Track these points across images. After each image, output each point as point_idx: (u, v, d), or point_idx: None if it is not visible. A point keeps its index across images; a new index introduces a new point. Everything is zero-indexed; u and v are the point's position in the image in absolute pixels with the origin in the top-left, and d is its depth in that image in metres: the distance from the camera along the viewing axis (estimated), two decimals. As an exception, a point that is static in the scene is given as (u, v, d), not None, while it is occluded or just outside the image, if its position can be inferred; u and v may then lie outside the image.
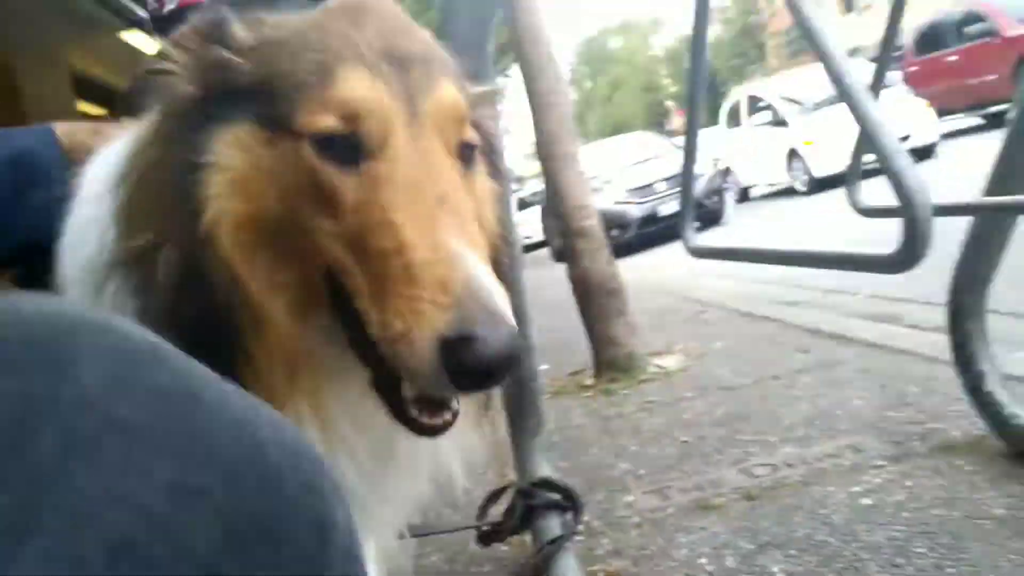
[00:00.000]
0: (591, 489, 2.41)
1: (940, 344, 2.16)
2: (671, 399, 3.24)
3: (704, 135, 1.72)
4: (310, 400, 0.80)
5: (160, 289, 0.76)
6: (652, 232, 11.37)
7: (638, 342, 3.81)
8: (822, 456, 2.23)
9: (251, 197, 0.78)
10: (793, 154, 12.86)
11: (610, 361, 3.73)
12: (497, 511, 1.95)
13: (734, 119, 15.78)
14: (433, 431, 0.79)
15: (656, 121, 54.18)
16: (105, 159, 0.90)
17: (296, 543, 0.48)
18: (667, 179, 11.53)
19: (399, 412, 0.78)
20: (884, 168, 1.03)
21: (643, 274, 7.92)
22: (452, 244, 0.71)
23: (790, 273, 5.26)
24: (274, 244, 0.79)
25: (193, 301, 0.76)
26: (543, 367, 4.40)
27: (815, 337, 3.65)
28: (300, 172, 0.77)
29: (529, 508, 1.94)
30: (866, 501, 1.90)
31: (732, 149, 15.45)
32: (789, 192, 13.41)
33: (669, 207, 11.16)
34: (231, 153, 0.78)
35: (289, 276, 0.80)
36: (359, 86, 0.77)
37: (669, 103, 57.59)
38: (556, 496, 1.95)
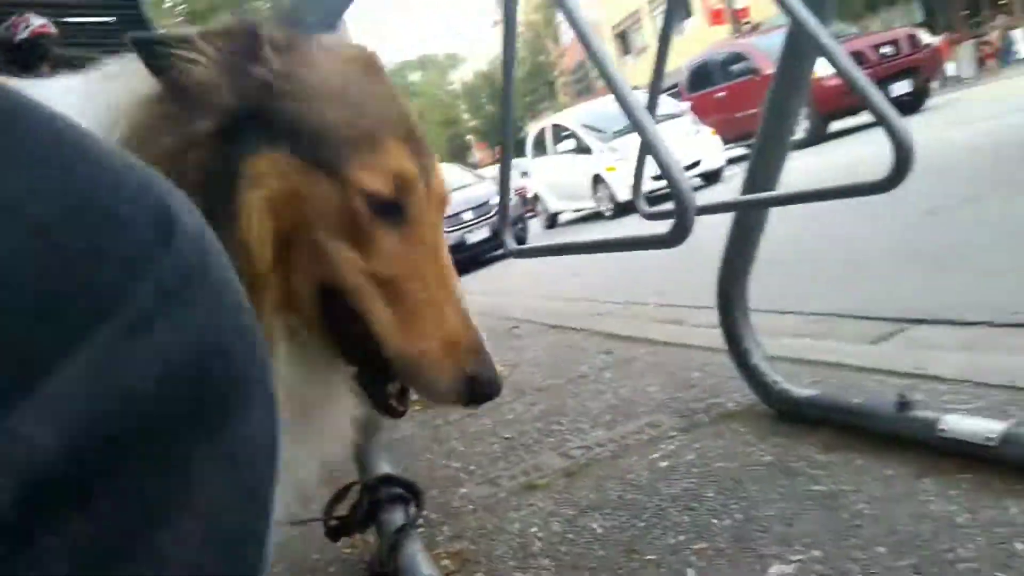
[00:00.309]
0: (427, 488, 2.56)
1: (716, 337, 2.55)
2: (493, 404, 3.45)
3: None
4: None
5: None
6: (462, 259, 11.74)
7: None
8: (626, 434, 2.55)
9: (281, 217, 0.88)
10: (598, 180, 13.43)
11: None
12: (343, 508, 2.05)
13: (540, 147, 16.28)
14: (400, 415, 1.05)
15: (458, 153, 55.56)
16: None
17: (131, 228, 0.40)
18: (474, 208, 11.98)
19: (379, 401, 1.03)
20: (663, 175, 1.30)
21: (456, 298, 8.15)
22: (464, 306, 0.97)
23: (594, 290, 5.76)
24: (284, 257, 0.91)
25: None
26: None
27: (615, 340, 4.06)
28: (343, 213, 0.90)
29: (374, 503, 2.06)
30: (664, 464, 2.22)
31: (539, 177, 15.94)
32: (596, 216, 14.22)
33: (476, 235, 11.60)
34: (269, 174, 0.87)
35: (293, 283, 0.93)
36: (406, 163, 0.94)
37: (469, 137, 59.37)
38: (399, 490, 2.09)
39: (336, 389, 1.07)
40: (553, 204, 16.00)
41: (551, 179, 15.48)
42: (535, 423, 2.99)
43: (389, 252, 0.93)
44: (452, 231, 11.93)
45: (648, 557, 1.75)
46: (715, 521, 1.82)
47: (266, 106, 0.89)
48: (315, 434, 1.05)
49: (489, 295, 7.90)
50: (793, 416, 2.29)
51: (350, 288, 0.93)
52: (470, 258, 11.47)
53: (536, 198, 16.72)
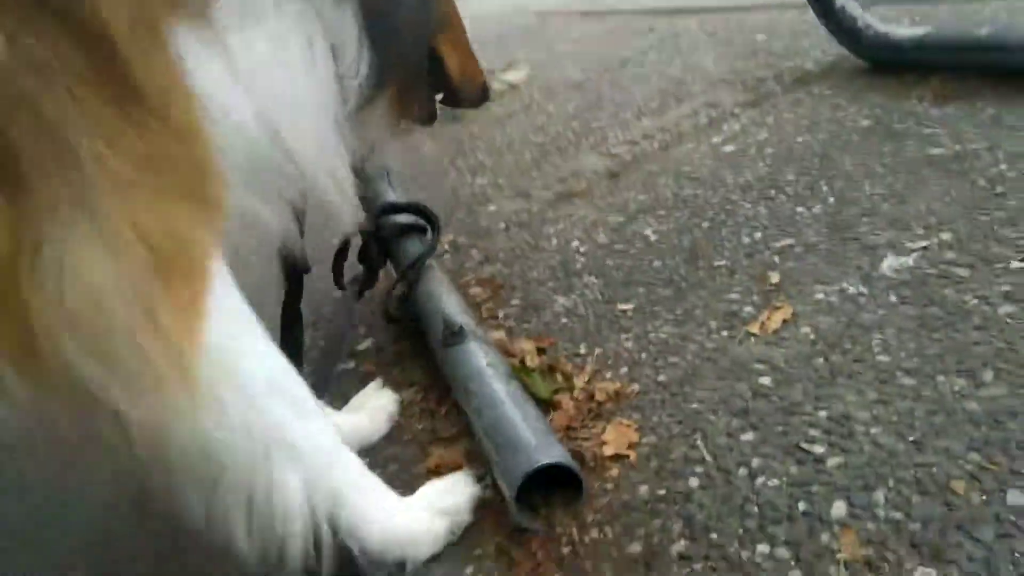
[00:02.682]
0: (451, 210, 2.23)
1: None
2: (522, 108, 3.01)
3: None
4: None
5: None
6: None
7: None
8: (678, 120, 2.10)
9: None
10: None
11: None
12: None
13: None
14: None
15: None
16: None
17: None
18: None
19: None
20: None
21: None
22: None
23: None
24: None
25: None
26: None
27: (657, 17, 3.43)
28: None
29: (382, 240, 1.73)
30: (729, 148, 1.80)
31: None
32: None
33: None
34: None
35: None
36: None
37: None
38: (409, 218, 1.74)
39: None
40: None
41: None
42: (570, 123, 2.54)
43: None
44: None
45: (717, 263, 1.41)
46: (801, 210, 1.44)
47: None
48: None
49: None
50: (894, 65, 1.79)
51: None
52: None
53: None
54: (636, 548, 0.91)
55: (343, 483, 0.93)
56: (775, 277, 1.28)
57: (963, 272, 1.12)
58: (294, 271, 1.29)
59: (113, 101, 0.73)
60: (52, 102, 0.70)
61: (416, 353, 1.48)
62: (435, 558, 0.99)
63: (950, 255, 1.15)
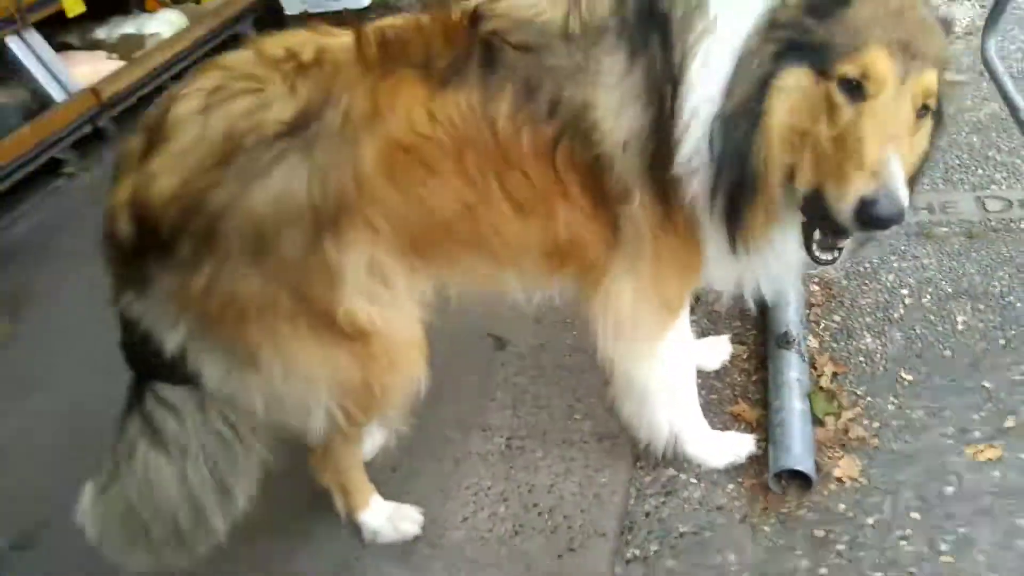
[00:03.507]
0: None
1: None
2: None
3: None
4: (769, 227, 1.40)
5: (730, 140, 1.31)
6: None
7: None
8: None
9: (795, 114, 1.28)
10: None
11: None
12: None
13: None
14: (819, 261, 1.38)
15: None
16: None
17: None
18: None
19: (807, 246, 1.36)
20: None
21: None
22: (889, 153, 1.21)
23: None
24: (792, 142, 1.29)
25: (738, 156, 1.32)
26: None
27: None
28: (825, 100, 1.25)
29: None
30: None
31: None
32: None
33: None
34: (794, 84, 1.27)
35: (792, 159, 1.31)
36: (880, 57, 1.22)
37: None
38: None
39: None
40: None
41: None
42: (972, 136, 2.78)
43: (845, 119, 1.25)
44: None
45: (991, 381, 1.93)
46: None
47: (803, 40, 1.27)
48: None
49: None
50: None
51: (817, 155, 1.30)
52: None
53: None
54: (810, 531, 1.70)
55: (682, 415, 1.80)
56: (1010, 421, 1.82)
57: None
58: None
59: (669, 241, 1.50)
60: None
61: (758, 323, 2.22)
62: (713, 478, 1.85)
63: None
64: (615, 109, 1.36)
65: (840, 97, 1.24)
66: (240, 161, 1.27)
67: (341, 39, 1.40)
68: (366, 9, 5.42)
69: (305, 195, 1.29)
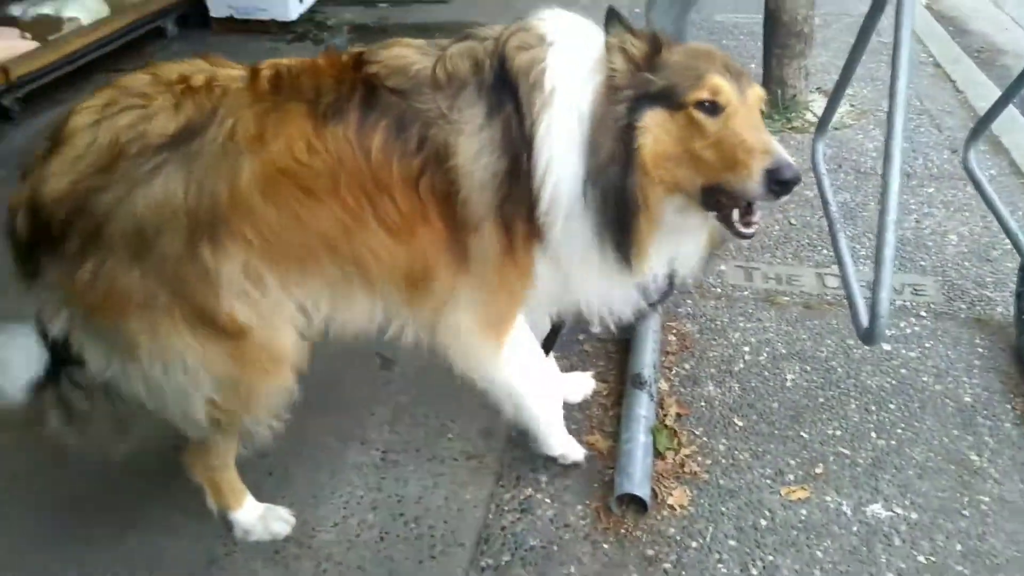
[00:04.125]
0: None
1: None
2: (806, 163, 3.56)
3: None
4: (652, 235, 1.65)
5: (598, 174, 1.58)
6: None
7: (805, 87, 3.98)
8: (901, 288, 2.75)
9: (663, 144, 1.56)
10: None
11: (773, 99, 3.97)
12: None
13: None
14: (744, 236, 1.64)
15: None
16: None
17: None
18: None
19: (730, 227, 1.62)
20: None
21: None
22: (766, 135, 1.54)
23: None
24: (667, 168, 1.58)
25: (615, 188, 1.58)
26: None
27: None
28: (688, 125, 1.54)
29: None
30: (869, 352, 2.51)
31: None
32: None
33: None
34: (653, 123, 1.55)
35: (671, 177, 1.59)
36: (719, 79, 1.54)
37: None
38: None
39: (696, 222, 1.72)
40: None
41: None
42: (824, 220, 3.19)
43: (714, 131, 1.54)
44: None
45: (808, 431, 2.26)
46: (875, 431, 2.23)
47: (651, 88, 1.56)
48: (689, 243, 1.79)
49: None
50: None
51: (703, 168, 1.58)
52: None
53: None
54: (642, 550, 1.94)
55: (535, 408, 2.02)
56: (820, 468, 2.14)
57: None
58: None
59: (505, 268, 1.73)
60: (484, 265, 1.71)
61: (619, 364, 2.48)
62: (565, 499, 2.07)
63: None
64: (473, 155, 1.60)
65: (702, 117, 1.54)
66: (124, 167, 1.43)
67: (235, 72, 1.59)
68: (292, 23, 5.52)
69: (182, 202, 1.45)
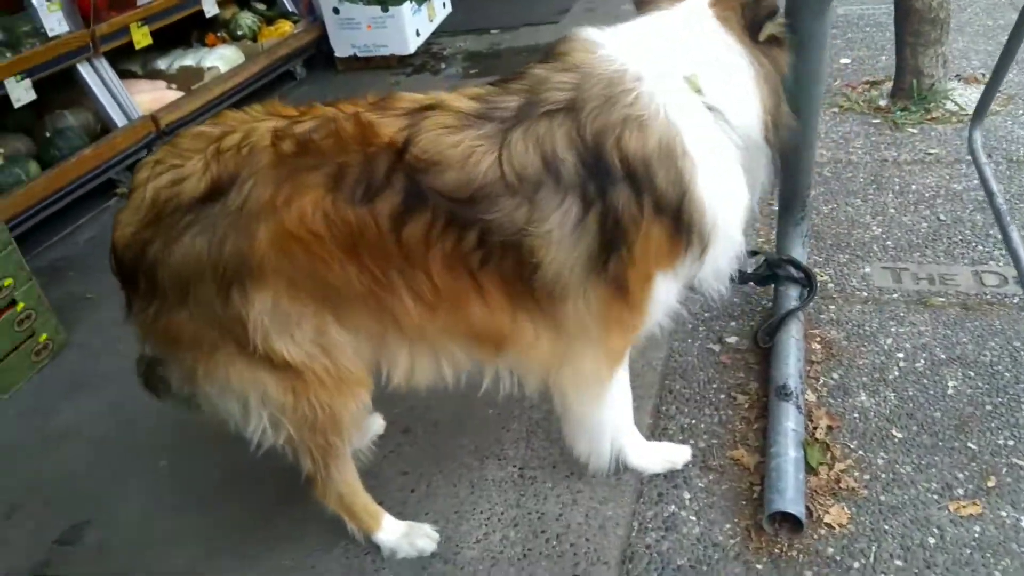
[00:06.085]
0: (838, 248, 2.90)
1: None
2: (950, 155, 3.37)
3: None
4: None
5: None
6: None
7: (944, 75, 3.72)
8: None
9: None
10: None
11: (909, 89, 3.73)
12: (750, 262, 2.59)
13: None
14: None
15: None
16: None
17: None
18: None
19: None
20: None
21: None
22: None
23: None
24: None
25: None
26: (844, 60, 4.42)
27: None
28: None
29: (769, 276, 2.55)
30: (1065, 349, 2.28)
31: None
32: None
33: None
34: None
35: None
36: None
37: None
38: (797, 274, 2.53)
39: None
40: None
41: None
42: (976, 213, 2.95)
43: None
44: None
45: (976, 443, 2.07)
46: (1059, 442, 2.01)
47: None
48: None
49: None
50: None
51: None
52: None
53: None
54: (800, 571, 1.83)
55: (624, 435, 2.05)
56: (992, 481, 1.95)
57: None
58: None
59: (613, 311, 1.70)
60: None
61: (760, 375, 2.37)
62: (711, 516, 1.99)
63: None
64: (567, 250, 1.56)
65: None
66: (163, 223, 1.55)
67: (268, 124, 1.57)
68: (411, 56, 5.72)
69: (207, 258, 1.54)
